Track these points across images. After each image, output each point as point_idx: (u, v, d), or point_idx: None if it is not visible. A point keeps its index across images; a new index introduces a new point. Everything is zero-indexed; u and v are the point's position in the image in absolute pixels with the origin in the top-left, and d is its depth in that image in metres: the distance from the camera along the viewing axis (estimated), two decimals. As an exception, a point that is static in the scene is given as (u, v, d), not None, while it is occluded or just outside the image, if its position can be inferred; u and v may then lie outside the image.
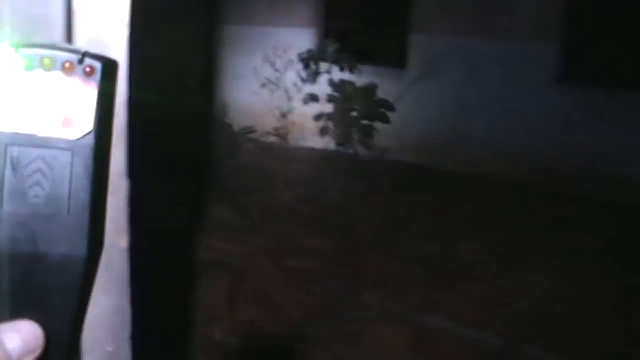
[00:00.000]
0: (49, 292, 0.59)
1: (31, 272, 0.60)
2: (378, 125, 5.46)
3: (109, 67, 0.58)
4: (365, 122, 5.41)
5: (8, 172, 0.54)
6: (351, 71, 5.74)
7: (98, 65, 0.56)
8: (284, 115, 6.13)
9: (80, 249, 0.60)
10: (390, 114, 5.46)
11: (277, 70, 6.22)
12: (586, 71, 5.56)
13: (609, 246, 4.04)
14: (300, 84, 6.00)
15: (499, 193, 3.74)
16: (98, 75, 0.56)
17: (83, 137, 0.56)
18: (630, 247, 4.12)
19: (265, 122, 6.24)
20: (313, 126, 5.79)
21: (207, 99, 6.06)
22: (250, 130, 5.79)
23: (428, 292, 3.32)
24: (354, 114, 5.47)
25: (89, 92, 0.56)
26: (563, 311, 3.52)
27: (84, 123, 0.56)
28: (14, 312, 0.58)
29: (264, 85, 6.31)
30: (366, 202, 3.49)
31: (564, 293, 3.58)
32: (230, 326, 3.14)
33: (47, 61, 0.54)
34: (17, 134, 0.54)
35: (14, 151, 0.54)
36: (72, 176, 0.56)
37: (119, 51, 0.83)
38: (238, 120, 6.07)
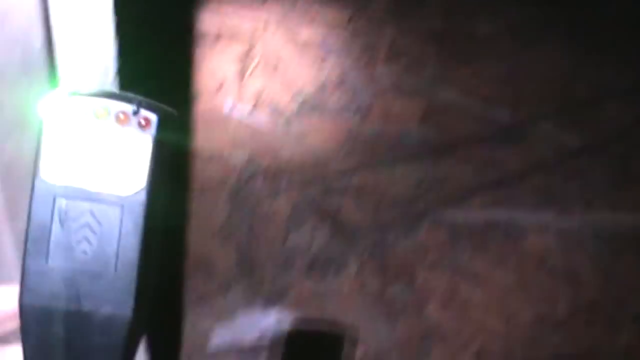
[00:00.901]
0: (91, 352, 0.56)
1: (74, 331, 0.56)
2: None
3: (166, 118, 0.55)
4: None
5: (55, 225, 0.52)
6: None
7: (154, 117, 0.54)
8: None
9: (126, 309, 0.57)
10: None
11: None
12: None
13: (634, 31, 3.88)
14: None
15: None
16: (153, 128, 0.55)
17: (135, 193, 0.55)
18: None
19: None
20: None
21: None
22: None
23: (442, 66, 3.23)
24: None
25: (143, 145, 0.54)
26: (580, 91, 3.44)
27: (136, 178, 0.54)
28: None
29: None
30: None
31: (583, 73, 3.48)
32: (240, 96, 3.10)
33: (100, 111, 0.52)
34: (67, 186, 0.52)
35: (62, 204, 0.52)
36: (121, 233, 0.54)
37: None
38: None
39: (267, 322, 2.89)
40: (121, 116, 0.51)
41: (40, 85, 0.83)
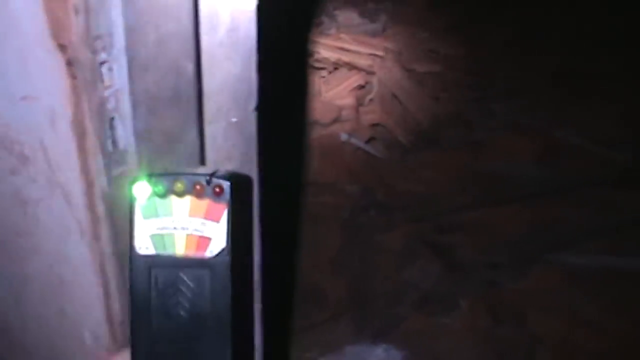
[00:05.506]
0: None
1: None
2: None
3: (239, 183, 0.57)
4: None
5: (153, 292, 0.54)
6: None
7: (226, 184, 0.55)
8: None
9: None
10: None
11: None
12: None
13: None
14: None
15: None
16: (227, 194, 0.55)
17: (218, 254, 0.55)
18: None
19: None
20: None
21: None
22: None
23: (560, 105, 3.18)
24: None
25: (220, 211, 0.55)
26: None
27: (217, 241, 0.55)
28: None
29: None
30: (499, 12, 3.30)
31: None
32: (355, 127, 3.10)
33: (179, 185, 0.54)
34: (158, 255, 0.54)
35: (156, 273, 0.54)
36: (212, 294, 0.55)
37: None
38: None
39: (375, 356, 2.83)
40: (198, 187, 0.54)
41: (188, 114, 0.82)
